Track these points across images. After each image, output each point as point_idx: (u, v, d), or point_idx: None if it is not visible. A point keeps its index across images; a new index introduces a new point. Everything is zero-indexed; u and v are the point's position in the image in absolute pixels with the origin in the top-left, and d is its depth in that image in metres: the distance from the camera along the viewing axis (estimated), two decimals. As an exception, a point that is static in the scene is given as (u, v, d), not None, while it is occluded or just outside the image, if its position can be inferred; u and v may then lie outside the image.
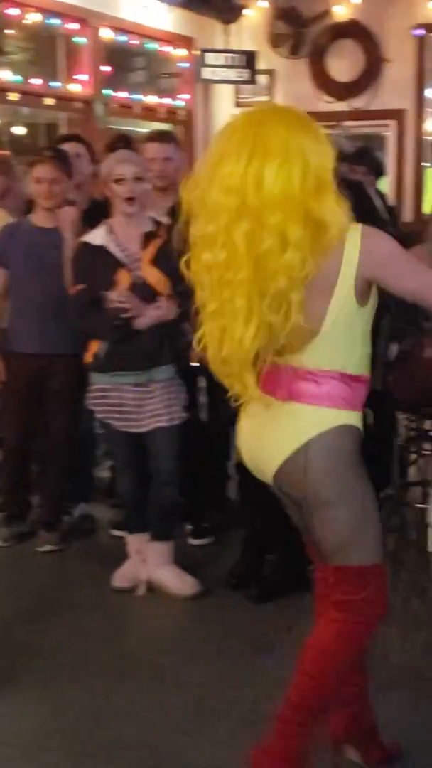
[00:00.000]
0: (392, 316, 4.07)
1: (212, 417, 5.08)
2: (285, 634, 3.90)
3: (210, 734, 3.25)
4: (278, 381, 2.62)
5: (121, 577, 4.41)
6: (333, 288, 2.51)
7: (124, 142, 5.48)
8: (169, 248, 4.12)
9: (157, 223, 4.21)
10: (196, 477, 4.79)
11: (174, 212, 4.63)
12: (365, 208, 4.13)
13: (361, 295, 2.55)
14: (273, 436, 2.65)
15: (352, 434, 2.63)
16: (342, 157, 2.93)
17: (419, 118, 9.44)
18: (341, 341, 2.58)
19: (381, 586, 2.74)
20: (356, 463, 2.65)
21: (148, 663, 3.76)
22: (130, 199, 4.12)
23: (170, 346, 4.16)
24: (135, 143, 5.38)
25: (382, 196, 5.75)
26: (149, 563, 4.35)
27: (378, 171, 6.06)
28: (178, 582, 4.31)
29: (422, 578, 4.30)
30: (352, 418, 2.63)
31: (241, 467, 5.18)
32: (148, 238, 4.16)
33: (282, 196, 2.42)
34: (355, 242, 2.51)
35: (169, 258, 4.10)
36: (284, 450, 2.61)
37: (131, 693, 3.53)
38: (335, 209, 2.48)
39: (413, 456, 5.07)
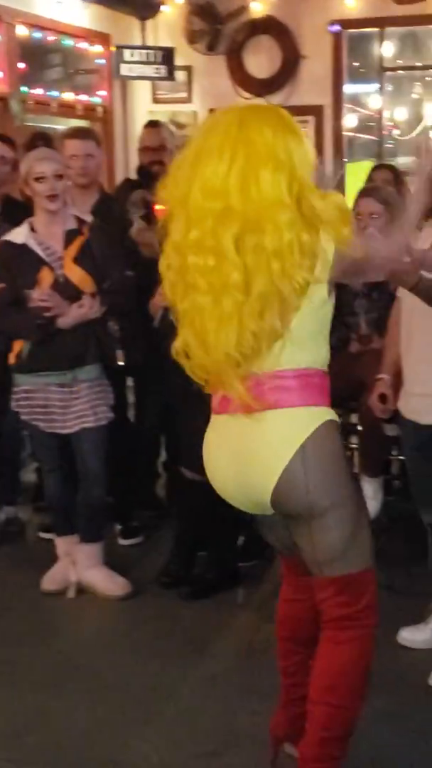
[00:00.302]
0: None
1: (140, 416, 5.05)
2: (219, 631, 3.89)
3: (145, 734, 3.22)
4: (249, 392, 2.46)
5: (50, 580, 4.35)
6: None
7: (42, 139, 5.42)
8: (93, 246, 4.11)
9: (80, 221, 4.17)
10: (124, 476, 4.76)
11: (99, 209, 4.63)
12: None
13: (329, 291, 2.50)
14: (260, 451, 2.47)
15: (338, 428, 2.57)
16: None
17: (337, 114, 9.50)
18: (310, 338, 2.50)
19: (375, 592, 2.64)
20: (346, 458, 2.60)
21: (82, 666, 3.72)
22: (53, 197, 4.06)
23: (96, 345, 4.12)
24: (54, 141, 5.32)
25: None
26: (79, 565, 4.30)
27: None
28: (108, 583, 4.27)
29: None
30: (332, 413, 2.57)
31: (169, 465, 5.20)
32: (70, 236, 4.11)
33: (278, 202, 2.34)
34: (330, 244, 2.44)
35: (92, 256, 4.09)
36: (280, 461, 2.45)
37: (64, 696, 3.48)
38: (330, 206, 2.42)
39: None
